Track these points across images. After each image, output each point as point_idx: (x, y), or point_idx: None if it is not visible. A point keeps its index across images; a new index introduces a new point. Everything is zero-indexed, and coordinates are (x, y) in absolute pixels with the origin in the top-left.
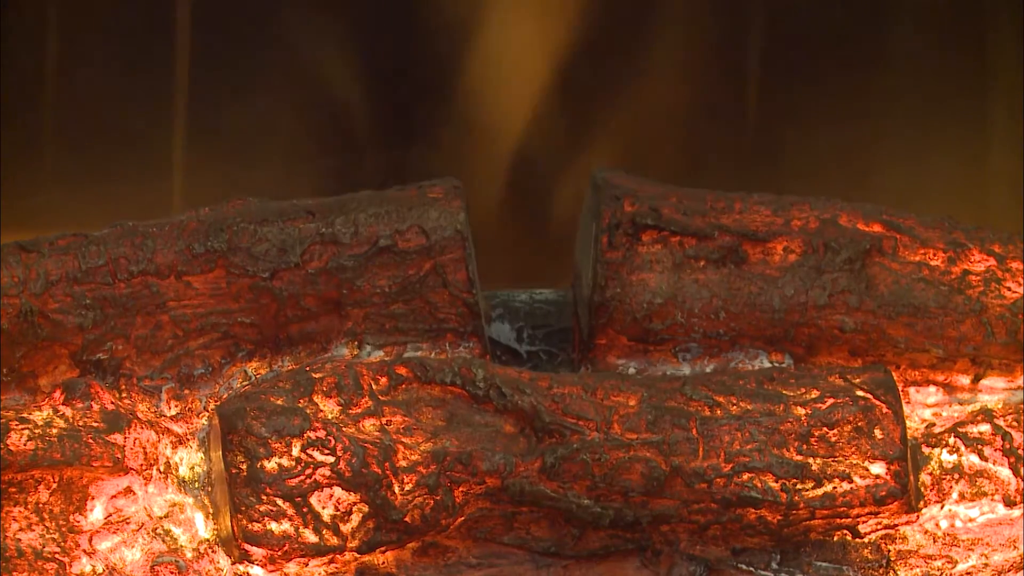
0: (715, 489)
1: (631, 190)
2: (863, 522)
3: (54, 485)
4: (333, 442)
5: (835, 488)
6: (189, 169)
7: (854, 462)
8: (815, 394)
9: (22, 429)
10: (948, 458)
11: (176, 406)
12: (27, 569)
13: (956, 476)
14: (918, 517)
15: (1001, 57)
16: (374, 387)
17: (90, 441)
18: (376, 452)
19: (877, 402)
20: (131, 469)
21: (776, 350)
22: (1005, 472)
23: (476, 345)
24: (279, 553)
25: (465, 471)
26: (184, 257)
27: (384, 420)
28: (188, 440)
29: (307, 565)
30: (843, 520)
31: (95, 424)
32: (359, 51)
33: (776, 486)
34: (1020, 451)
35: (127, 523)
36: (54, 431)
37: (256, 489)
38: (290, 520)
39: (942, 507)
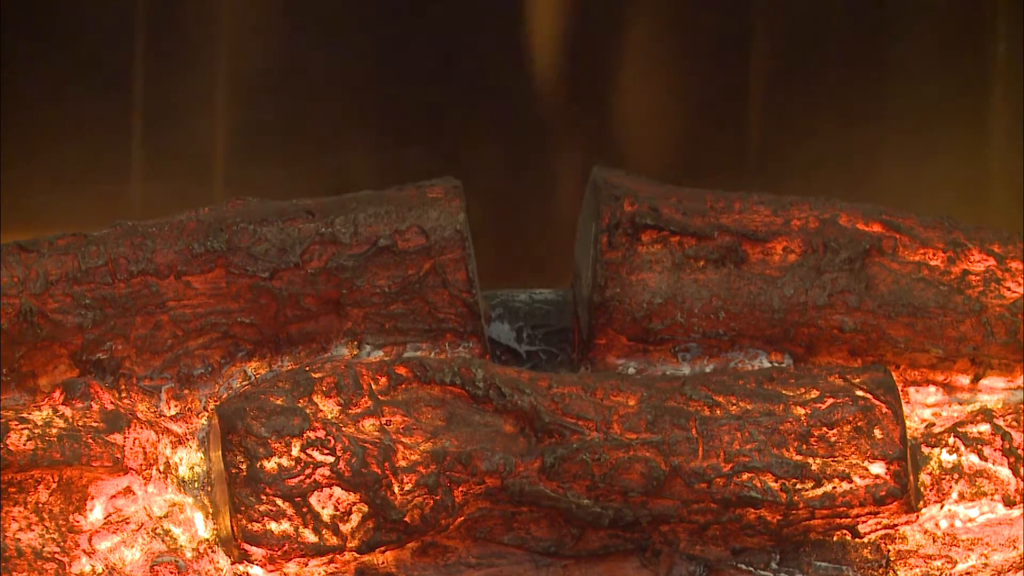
0: (715, 489)
1: (631, 190)
2: (863, 522)
3: (54, 485)
4: (333, 442)
5: (835, 488)
6: (188, 169)
7: (854, 462)
8: (815, 394)
9: (22, 429)
10: (948, 458)
11: (176, 406)
12: (27, 569)
13: (956, 476)
14: (918, 517)
15: (1001, 57)
16: (374, 387)
17: (90, 441)
18: (376, 452)
19: (877, 402)
20: (131, 469)
21: (776, 350)
22: (1005, 472)
23: (476, 345)
24: (279, 553)
25: (465, 471)
26: (184, 257)
27: (384, 420)
28: (188, 440)
29: (307, 565)
30: (843, 520)
31: (95, 424)
32: (358, 50)
33: (776, 486)
34: (1020, 451)
35: (127, 523)
36: (54, 431)
37: (256, 489)
38: (290, 520)
39: (942, 507)
